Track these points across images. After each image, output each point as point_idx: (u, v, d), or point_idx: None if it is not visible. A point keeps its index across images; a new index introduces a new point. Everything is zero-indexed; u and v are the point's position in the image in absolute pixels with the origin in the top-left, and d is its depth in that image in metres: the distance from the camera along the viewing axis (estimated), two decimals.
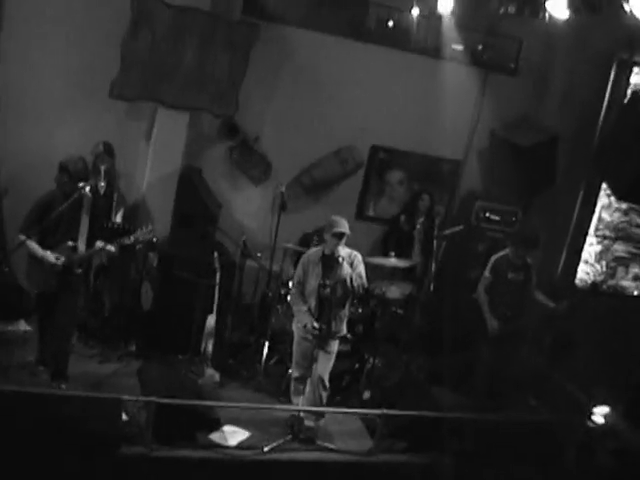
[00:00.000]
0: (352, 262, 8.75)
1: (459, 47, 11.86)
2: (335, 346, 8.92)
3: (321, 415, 8.99)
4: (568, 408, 9.93)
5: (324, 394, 8.90)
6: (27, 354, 9.26)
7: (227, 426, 8.68)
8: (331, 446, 8.72)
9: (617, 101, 12.28)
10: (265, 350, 10.00)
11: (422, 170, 12.35)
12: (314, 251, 8.96)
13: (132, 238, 8.83)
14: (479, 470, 8.68)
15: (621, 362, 10.57)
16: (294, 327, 9.02)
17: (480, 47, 11.83)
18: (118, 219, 10.25)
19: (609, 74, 12.32)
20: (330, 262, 8.70)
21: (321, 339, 8.77)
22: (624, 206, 12.77)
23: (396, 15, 11.57)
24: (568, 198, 12.68)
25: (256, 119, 11.39)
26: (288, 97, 11.49)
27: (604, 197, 12.68)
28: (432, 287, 10.76)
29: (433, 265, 10.75)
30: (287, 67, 11.38)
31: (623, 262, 13.04)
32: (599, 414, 9.36)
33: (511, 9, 9.20)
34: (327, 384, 8.89)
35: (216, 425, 8.61)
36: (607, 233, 12.87)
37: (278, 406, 9.40)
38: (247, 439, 8.57)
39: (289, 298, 9.55)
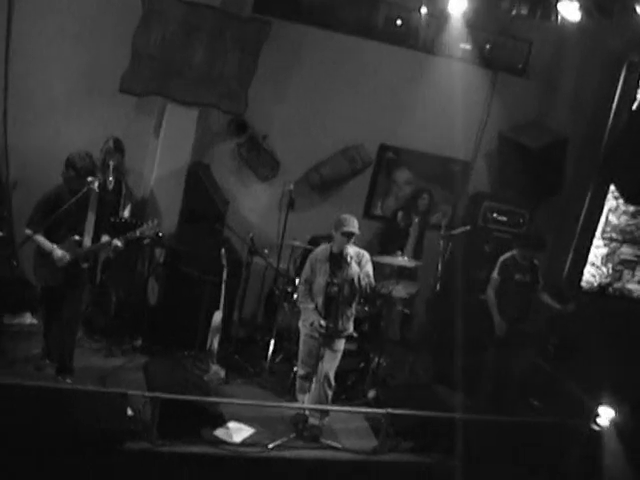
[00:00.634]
0: (360, 261, 8.75)
1: (468, 46, 11.83)
2: (341, 344, 8.92)
3: (326, 413, 8.98)
4: (573, 410, 9.91)
5: (329, 392, 8.89)
6: (33, 347, 9.27)
7: (232, 422, 8.68)
8: (335, 444, 8.72)
9: (627, 104, 12.25)
10: (271, 347, 10.05)
11: (429, 170, 12.31)
12: (322, 249, 8.95)
13: (138, 233, 8.83)
14: (482, 471, 8.68)
15: (627, 365, 10.56)
16: (300, 325, 9.02)
17: (488, 47, 11.78)
18: (126, 214, 10.27)
19: (619, 76, 12.27)
20: (338, 261, 8.70)
21: (327, 337, 8.77)
22: (631, 209, 12.74)
23: (405, 14, 11.54)
24: (576, 200, 12.66)
25: (265, 116, 11.37)
26: (297, 95, 11.48)
27: (612, 200, 12.64)
28: (438, 287, 10.77)
29: (439, 265, 10.76)
30: (297, 65, 11.37)
31: (630, 265, 13.01)
32: (604, 417, 9.36)
33: (523, 10, 9.22)
34: (332, 382, 8.89)
35: (221, 421, 8.61)
36: (614, 236, 12.83)
37: (283, 404, 9.39)
38: (252, 436, 8.57)
39: (296, 296, 9.57)
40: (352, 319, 8.97)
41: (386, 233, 11.86)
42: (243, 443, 8.41)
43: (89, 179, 8.43)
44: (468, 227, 11.10)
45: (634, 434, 9.32)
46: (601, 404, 9.52)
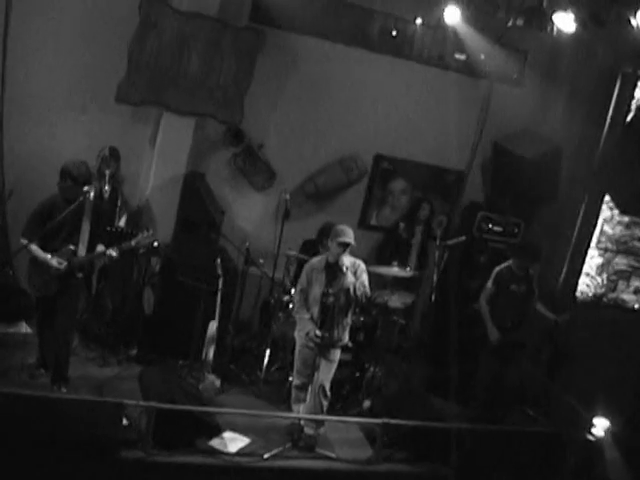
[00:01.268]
0: (355, 271, 8.76)
1: (463, 57, 11.87)
2: (337, 354, 8.91)
3: (321, 423, 8.98)
4: (567, 420, 9.94)
5: (325, 402, 8.88)
6: (28, 356, 9.26)
7: (227, 432, 8.68)
8: (331, 454, 8.73)
9: (621, 114, 12.30)
10: (266, 357, 10.01)
11: (425, 180, 12.34)
12: (318, 259, 8.96)
13: (133, 242, 8.83)
14: None
15: (621, 374, 10.59)
16: (296, 334, 9.01)
17: (483, 57, 11.81)
18: (121, 223, 10.26)
19: (613, 87, 12.31)
20: (334, 270, 8.71)
21: (323, 347, 8.77)
22: (626, 219, 12.80)
23: (401, 24, 11.57)
24: (570, 210, 12.68)
25: (261, 126, 11.39)
26: (293, 104, 11.50)
27: (606, 210, 12.69)
28: (433, 297, 10.77)
29: (435, 275, 10.77)
30: (292, 74, 11.39)
31: (624, 275, 13.05)
32: (599, 427, 9.37)
33: (519, 22, 9.24)
34: (328, 392, 8.87)
35: (216, 431, 8.61)
36: (609, 246, 12.87)
37: (278, 413, 9.39)
38: (247, 446, 8.56)
39: (291, 305, 9.58)
40: (348, 329, 8.97)
41: (387, 244, 11.86)
42: (238, 453, 8.41)
43: (85, 188, 8.44)
44: (463, 237, 11.11)
45: (629, 444, 9.34)
46: (596, 414, 9.53)
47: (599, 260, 12.88)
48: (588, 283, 12.93)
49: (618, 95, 12.34)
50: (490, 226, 11.90)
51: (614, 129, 12.31)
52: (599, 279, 12.94)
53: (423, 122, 11.93)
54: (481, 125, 12.26)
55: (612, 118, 12.37)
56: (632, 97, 12.34)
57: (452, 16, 10.36)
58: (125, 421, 8.03)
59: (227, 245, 10.71)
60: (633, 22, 8.97)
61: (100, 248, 8.68)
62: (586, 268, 12.84)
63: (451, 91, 11.92)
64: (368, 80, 11.66)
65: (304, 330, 8.80)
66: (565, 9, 9.22)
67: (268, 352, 10.02)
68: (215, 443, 8.45)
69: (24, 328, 9.95)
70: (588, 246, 12.78)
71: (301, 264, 9.68)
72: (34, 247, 8.44)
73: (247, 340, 11.00)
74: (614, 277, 13.02)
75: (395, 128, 11.91)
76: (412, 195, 12.25)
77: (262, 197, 11.63)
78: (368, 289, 8.85)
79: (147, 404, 8.04)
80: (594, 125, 12.37)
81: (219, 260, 9.81)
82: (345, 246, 8.59)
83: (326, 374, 8.84)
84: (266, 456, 8.40)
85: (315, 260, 9.00)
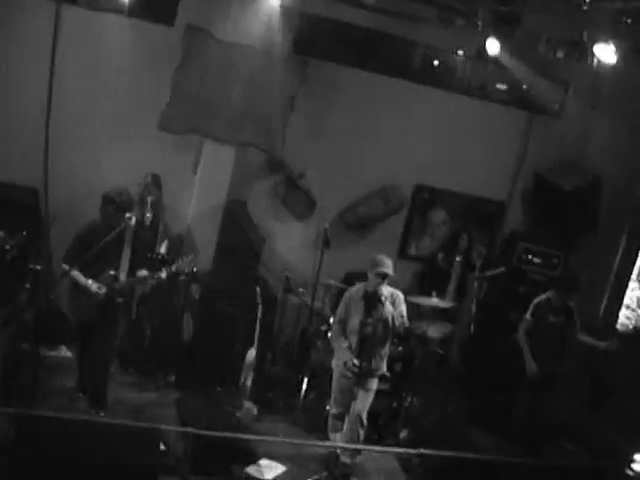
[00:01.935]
0: (394, 301, 8.76)
1: (504, 87, 11.89)
2: (374, 384, 8.91)
3: (358, 452, 8.96)
4: (607, 454, 9.83)
5: (361, 431, 8.87)
6: (67, 380, 9.33)
7: (263, 460, 8.68)
8: None
9: None
10: (304, 385, 10.03)
11: (465, 210, 12.34)
12: (356, 288, 8.97)
13: (173, 268, 8.89)
14: None
15: None
16: (334, 364, 9.02)
17: (525, 88, 11.82)
18: (162, 250, 10.34)
19: None
20: (372, 300, 8.72)
21: (361, 377, 8.77)
22: None
23: (442, 55, 11.63)
24: (611, 242, 12.60)
25: (302, 155, 11.45)
26: (334, 134, 11.56)
27: None
28: (472, 328, 10.74)
29: (474, 306, 10.74)
30: (334, 104, 11.46)
31: None
32: (639, 461, 9.26)
33: (559, 53, 9.25)
34: (365, 422, 8.86)
35: (252, 458, 8.62)
36: None
37: (315, 442, 9.38)
38: (283, 474, 8.57)
39: (330, 334, 9.59)
40: (385, 359, 8.97)
41: (426, 274, 11.87)
42: None
43: (127, 215, 8.52)
44: (503, 268, 11.08)
45: None
46: (636, 449, 9.42)
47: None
48: (629, 315, 12.79)
49: None
50: (530, 257, 11.87)
51: None
52: None
53: (464, 152, 11.93)
54: (522, 156, 12.25)
55: None
56: None
57: (493, 47, 10.40)
58: (162, 447, 8.05)
59: (267, 273, 10.76)
60: None
61: (141, 273, 8.76)
62: (627, 300, 12.71)
63: (492, 121, 11.96)
64: (409, 110, 11.71)
65: (342, 359, 8.81)
66: (606, 41, 9.22)
67: (306, 380, 10.04)
68: (251, 470, 8.46)
69: (64, 352, 10.05)
70: (629, 278, 12.67)
71: (340, 293, 9.70)
72: (75, 273, 8.52)
73: (285, 368, 11.02)
74: None
75: (436, 158, 11.93)
76: (452, 225, 12.23)
77: (302, 226, 11.68)
78: (406, 319, 8.86)
79: (184, 430, 8.07)
80: (634, 156, 12.30)
81: (258, 288, 9.85)
82: (384, 276, 8.59)
83: (363, 403, 8.83)
84: None
85: (354, 290, 9.02)
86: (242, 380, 9.75)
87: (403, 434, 9.85)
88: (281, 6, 10.31)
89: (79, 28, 10.32)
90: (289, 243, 11.61)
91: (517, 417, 10.01)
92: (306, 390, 10.06)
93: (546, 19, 9.70)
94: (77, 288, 8.60)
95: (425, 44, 11.59)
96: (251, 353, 9.74)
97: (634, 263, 12.66)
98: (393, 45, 11.56)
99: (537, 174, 12.20)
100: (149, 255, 9.58)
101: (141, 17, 10.55)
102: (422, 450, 8.70)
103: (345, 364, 8.76)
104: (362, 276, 9.16)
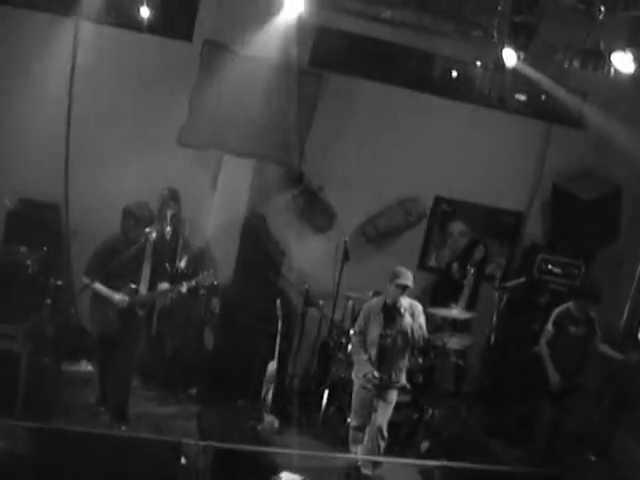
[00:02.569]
0: (413, 313, 8.78)
1: (523, 98, 11.90)
2: (394, 396, 8.92)
3: (379, 464, 8.97)
4: (629, 466, 9.77)
5: (382, 443, 8.88)
6: (88, 394, 9.40)
7: (284, 472, 8.64)
8: None
9: None
10: (325, 398, 10.03)
11: (484, 221, 12.30)
12: (376, 301, 8.99)
13: (194, 282, 8.95)
14: None
15: None
16: (354, 376, 9.04)
17: (544, 98, 11.82)
18: (182, 264, 10.35)
19: None
20: (392, 312, 8.74)
21: (381, 389, 8.79)
22: None
23: (461, 66, 11.64)
24: (631, 252, 12.54)
25: (321, 168, 11.47)
26: (353, 147, 11.59)
27: None
28: (493, 339, 10.72)
29: (494, 317, 10.71)
30: (352, 117, 11.49)
31: None
32: None
33: (576, 63, 9.22)
34: (385, 434, 8.88)
35: (274, 471, 8.59)
36: None
37: (336, 454, 9.39)
38: None
39: (350, 347, 9.60)
40: (405, 371, 8.98)
41: (439, 285, 11.85)
42: None
43: (147, 229, 8.58)
44: (523, 279, 11.06)
45: None
46: None
47: None
48: None
49: None
50: (550, 267, 11.83)
51: None
52: None
53: (483, 163, 11.92)
54: (541, 166, 12.23)
55: None
56: None
57: (511, 58, 10.39)
58: (183, 460, 8.05)
59: (287, 286, 10.78)
60: None
61: (162, 286, 8.80)
62: None
63: (511, 132, 11.93)
64: (428, 122, 11.72)
65: (362, 371, 8.83)
66: (623, 49, 9.19)
67: (326, 393, 10.05)
68: None
69: (85, 366, 10.11)
70: None
71: (360, 306, 9.72)
72: (97, 286, 8.58)
73: (306, 381, 11.03)
74: None
75: (455, 170, 11.91)
76: (471, 237, 12.21)
77: (322, 239, 11.66)
78: (425, 331, 8.87)
79: (205, 443, 8.08)
80: None
81: (279, 301, 9.87)
82: (403, 288, 8.61)
83: (383, 415, 8.85)
84: None
85: (373, 302, 9.04)
86: (263, 393, 9.77)
87: (424, 446, 9.84)
88: (298, 20, 10.33)
89: (98, 44, 10.40)
90: (309, 256, 11.58)
91: (539, 428, 9.97)
92: (327, 403, 10.07)
93: (562, 29, 9.70)
94: (99, 300, 8.67)
95: (443, 56, 11.61)
96: (272, 366, 9.76)
97: None
98: (411, 57, 11.58)
99: (556, 184, 12.16)
100: (169, 269, 9.63)
101: (159, 33, 10.66)
102: (443, 462, 8.71)
103: (365, 376, 8.77)
104: None
